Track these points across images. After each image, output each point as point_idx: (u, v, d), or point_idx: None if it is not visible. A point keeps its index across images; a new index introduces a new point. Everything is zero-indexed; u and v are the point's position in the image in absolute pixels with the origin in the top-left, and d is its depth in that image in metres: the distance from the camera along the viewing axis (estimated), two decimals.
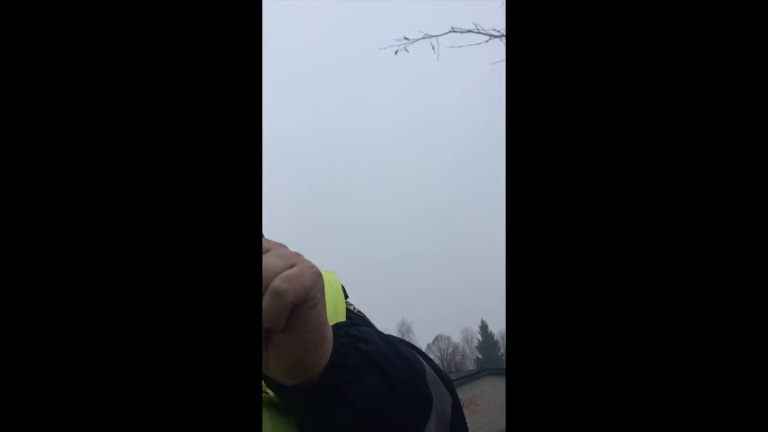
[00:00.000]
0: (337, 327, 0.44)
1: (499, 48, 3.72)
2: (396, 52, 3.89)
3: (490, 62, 3.60)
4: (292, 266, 0.38)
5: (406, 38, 3.85)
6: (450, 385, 0.49)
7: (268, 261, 0.37)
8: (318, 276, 0.39)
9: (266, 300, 0.36)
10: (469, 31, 3.74)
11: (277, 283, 0.36)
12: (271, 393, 0.50)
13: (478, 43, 3.73)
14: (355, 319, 0.58)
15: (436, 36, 3.80)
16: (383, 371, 0.42)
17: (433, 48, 3.82)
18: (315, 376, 0.40)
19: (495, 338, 40.59)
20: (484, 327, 41.53)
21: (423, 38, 3.83)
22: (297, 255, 0.39)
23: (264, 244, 0.39)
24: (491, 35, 3.74)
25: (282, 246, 0.40)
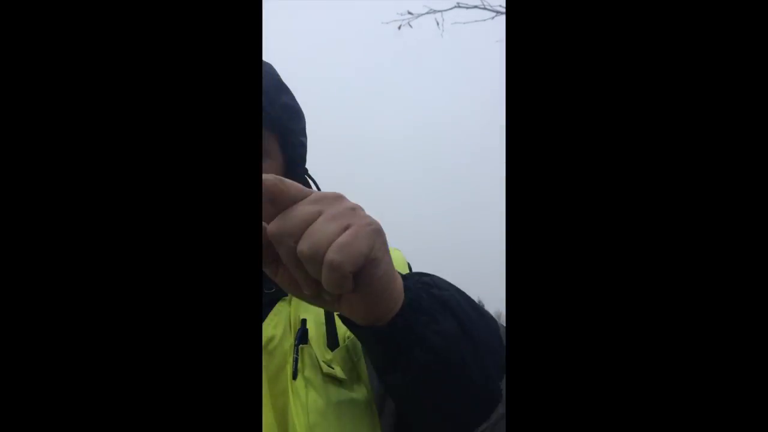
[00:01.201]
0: (406, 277, 0.43)
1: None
2: (399, 27, 3.83)
3: (495, 39, 3.54)
4: (347, 228, 0.35)
5: (410, 13, 3.78)
6: None
7: (319, 229, 0.35)
8: (376, 233, 0.36)
9: (324, 273, 0.35)
10: (475, 6, 3.67)
11: (331, 255, 0.34)
12: (332, 370, 0.51)
13: (484, 20, 3.67)
14: None
15: (441, 11, 3.73)
16: (458, 317, 0.42)
17: (438, 24, 3.76)
18: (388, 319, 0.40)
19: None
20: None
21: (427, 13, 3.76)
22: (353, 211, 0.37)
23: (317, 206, 0.36)
24: (497, 11, 3.67)
25: (337, 199, 0.37)
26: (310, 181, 0.63)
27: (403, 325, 0.40)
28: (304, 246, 0.35)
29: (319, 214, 0.36)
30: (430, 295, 0.41)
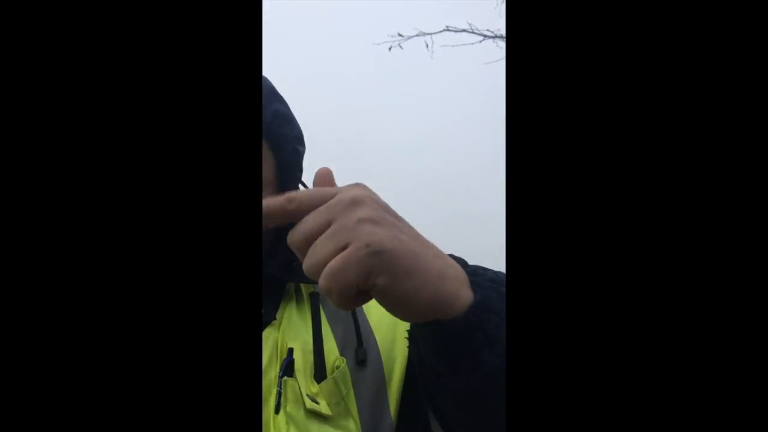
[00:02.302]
0: (475, 272, 0.39)
1: (493, 49, 3.72)
2: (390, 49, 3.88)
3: (483, 62, 3.61)
4: (344, 247, 0.33)
5: (400, 35, 3.84)
6: None
7: (318, 249, 0.33)
8: (372, 256, 0.32)
9: (322, 293, 0.34)
10: (464, 30, 3.74)
11: (321, 281, 0.33)
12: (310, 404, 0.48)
13: (472, 43, 3.74)
14: None
15: (431, 34, 3.80)
16: None
17: (427, 46, 3.82)
18: (453, 315, 0.35)
19: None
20: None
21: (417, 36, 3.83)
22: (358, 225, 0.33)
23: (328, 214, 0.34)
24: (485, 35, 3.75)
25: (349, 206, 0.34)
26: (303, 189, 0.61)
27: (475, 322, 0.36)
28: (305, 265, 0.34)
29: (327, 225, 0.34)
30: (501, 294, 0.37)
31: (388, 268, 0.33)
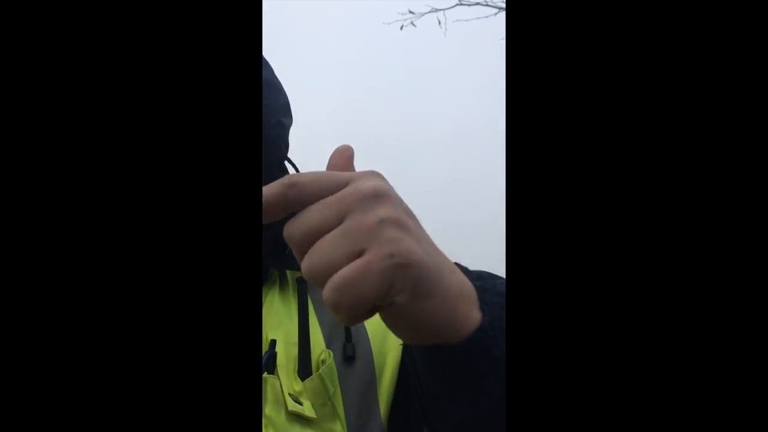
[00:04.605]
0: (485, 289, 0.33)
1: None
2: (402, 27, 3.83)
3: (499, 37, 3.54)
4: (360, 254, 0.27)
5: (411, 12, 3.79)
6: None
7: (325, 249, 0.27)
8: (396, 268, 0.27)
9: (327, 307, 0.28)
10: (477, 3, 3.67)
11: (327, 292, 0.27)
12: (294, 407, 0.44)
13: (486, 17, 3.67)
14: None
15: (443, 9, 3.74)
16: None
17: (440, 22, 3.76)
18: (459, 338, 0.31)
19: None
20: None
21: (429, 12, 3.77)
22: (379, 227, 0.27)
23: (338, 208, 0.28)
24: (499, 8, 3.67)
25: (368, 200, 0.28)
26: (290, 168, 0.55)
27: (481, 347, 0.31)
28: (305, 265, 0.28)
29: (338, 221, 0.28)
30: None
31: (412, 285, 0.28)
